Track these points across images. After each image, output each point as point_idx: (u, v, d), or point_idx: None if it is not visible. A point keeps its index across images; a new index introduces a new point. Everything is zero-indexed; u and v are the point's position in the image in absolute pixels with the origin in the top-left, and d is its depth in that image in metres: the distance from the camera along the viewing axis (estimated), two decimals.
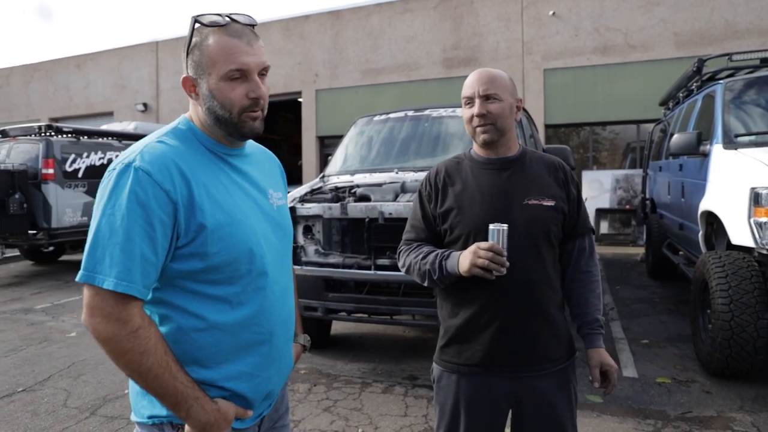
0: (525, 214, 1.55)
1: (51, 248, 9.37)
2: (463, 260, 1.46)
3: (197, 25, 1.13)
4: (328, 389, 3.62)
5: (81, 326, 5.30)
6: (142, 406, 1.16)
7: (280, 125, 19.45)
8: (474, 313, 1.55)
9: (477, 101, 1.56)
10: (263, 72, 1.17)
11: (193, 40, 1.14)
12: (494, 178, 1.60)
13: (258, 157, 1.36)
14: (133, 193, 1.03)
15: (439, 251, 1.55)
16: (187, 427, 1.11)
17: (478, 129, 1.57)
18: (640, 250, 9.39)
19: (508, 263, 1.43)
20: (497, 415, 1.59)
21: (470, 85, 1.59)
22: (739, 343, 3.34)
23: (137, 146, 1.12)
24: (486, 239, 1.45)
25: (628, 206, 10.80)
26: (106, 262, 1.02)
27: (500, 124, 1.57)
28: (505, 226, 1.44)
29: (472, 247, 1.44)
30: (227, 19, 1.14)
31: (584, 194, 10.86)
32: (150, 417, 1.15)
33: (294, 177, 16.10)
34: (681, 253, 5.80)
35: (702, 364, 3.79)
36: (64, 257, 10.03)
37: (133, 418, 1.19)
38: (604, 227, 10.97)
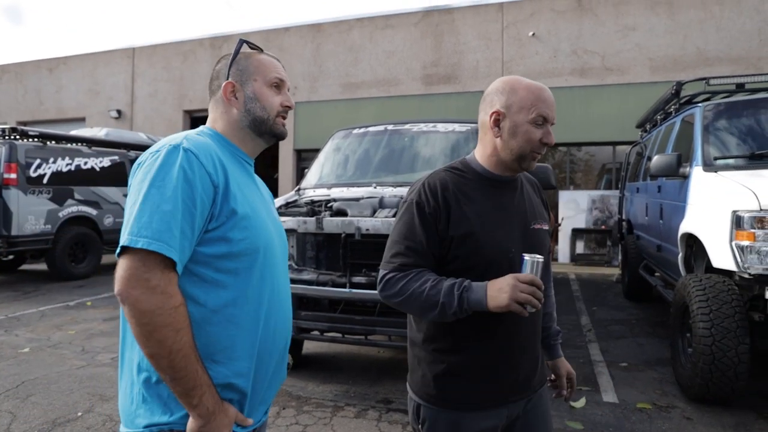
0: (533, 240, 1.46)
1: (10, 257, 8.96)
2: (499, 294, 1.26)
3: (244, 44, 1.34)
4: (297, 413, 3.43)
5: (35, 341, 5.01)
6: (138, 414, 1.14)
7: None
8: (490, 347, 1.42)
9: (550, 128, 1.41)
10: (288, 89, 1.40)
11: (240, 53, 1.33)
12: (507, 199, 1.47)
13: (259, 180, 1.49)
14: (182, 169, 1.10)
15: (455, 281, 1.32)
16: (189, 423, 1.10)
17: (536, 155, 1.42)
18: (615, 271, 9.42)
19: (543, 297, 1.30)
20: None
21: (547, 105, 1.40)
22: (720, 368, 3.28)
23: (175, 137, 1.19)
24: (507, 268, 1.34)
25: (603, 226, 10.87)
26: (154, 226, 1.04)
27: None
28: (541, 258, 1.31)
29: (509, 281, 1.26)
30: (261, 50, 1.39)
31: (561, 214, 11.01)
32: (147, 426, 1.13)
33: (271, 189, 15.85)
34: (657, 274, 5.78)
35: (682, 388, 3.72)
36: (25, 266, 9.63)
37: (124, 429, 1.17)
38: (579, 247, 11.02)
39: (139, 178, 1.12)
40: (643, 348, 4.86)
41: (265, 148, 1.43)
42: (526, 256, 1.30)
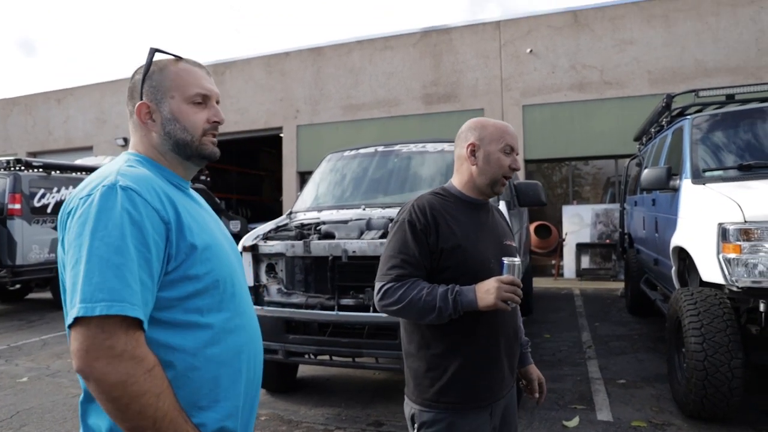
0: (506, 253, 1.67)
1: (17, 286, 9.06)
2: (486, 295, 1.47)
3: (157, 54, 1.16)
4: None
5: (34, 371, 5.04)
6: None
7: (262, 160, 19.44)
8: (481, 347, 1.59)
9: (516, 157, 1.67)
10: (217, 102, 1.22)
11: (152, 67, 1.15)
12: (483, 218, 1.70)
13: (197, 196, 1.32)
14: (126, 211, 0.96)
15: (447, 287, 1.51)
16: None
17: (506, 181, 1.68)
18: (620, 285, 9.30)
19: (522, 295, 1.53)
20: None
21: (513, 137, 1.67)
22: (713, 384, 3.22)
23: (105, 172, 1.04)
24: (487, 276, 1.52)
25: (608, 240, 10.77)
26: (109, 285, 0.90)
27: None
28: (518, 260, 1.53)
29: (493, 283, 1.48)
30: (180, 57, 1.20)
31: (565, 229, 10.93)
32: None
33: (276, 213, 15.97)
34: (659, 288, 5.72)
35: (678, 405, 3.65)
36: (31, 296, 9.71)
37: None
38: (585, 262, 10.91)
39: (75, 231, 0.96)
40: (643, 364, 4.79)
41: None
42: (506, 260, 1.52)
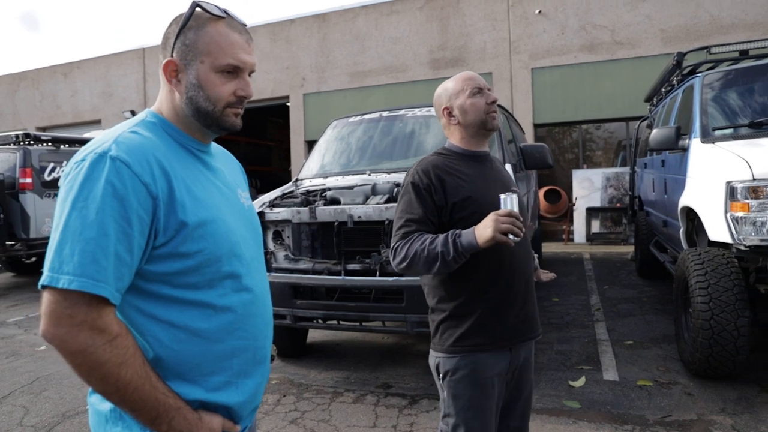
0: None
1: (33, 259, 9.23)
2: (484, 230, 1.47)
3: (198, 9, 1.08)
4: (297, 400, 3.49)
5: None
6: None
7: (271, 130, 19.35)
8: (502, 291, 1.66)
9: (488, 92, 1.72)
10: (250, 73, 1.15)
11: (189, 22, 1.07)
12: (485, 169, 1.76)
13: (220, 156, 1.29)
14: (110, 184, 0.94)
15: (446, 233, 1.54)
16: None
17: (494, 114, 1.72)
18: (631, 249, 9.26)
19: (524, 227, 1.50)
20: (504, 384, 1.73)
21: (474, 80, 1.73)
22: (719, 342, 3.23)
23: (106, 136, 1.02)
24: None
25: (618, 204, 10.68)
26: (76, 259, 0.90)
27: None
28: (514, 195, 1.52)
29: (490, 217, 1.47)
30: (225, 13, 1.10)
31: (575, 194, 10.84)
32: None
33: (286, 182, 15.94)
34: (668, 250, 5.69)
35: (685, 365, 3.67)
36: None
37: None
38: (595, 226, 10.85)
39: (62, 196, 0.96)
40: (651, 325, 4.80)
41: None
42: (501, 195, 1.52)
